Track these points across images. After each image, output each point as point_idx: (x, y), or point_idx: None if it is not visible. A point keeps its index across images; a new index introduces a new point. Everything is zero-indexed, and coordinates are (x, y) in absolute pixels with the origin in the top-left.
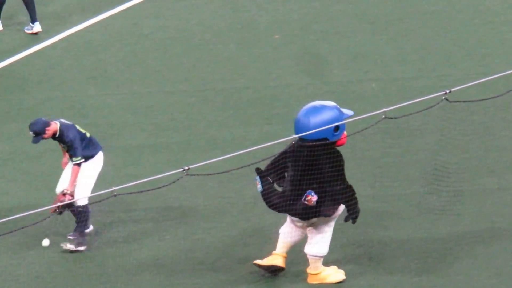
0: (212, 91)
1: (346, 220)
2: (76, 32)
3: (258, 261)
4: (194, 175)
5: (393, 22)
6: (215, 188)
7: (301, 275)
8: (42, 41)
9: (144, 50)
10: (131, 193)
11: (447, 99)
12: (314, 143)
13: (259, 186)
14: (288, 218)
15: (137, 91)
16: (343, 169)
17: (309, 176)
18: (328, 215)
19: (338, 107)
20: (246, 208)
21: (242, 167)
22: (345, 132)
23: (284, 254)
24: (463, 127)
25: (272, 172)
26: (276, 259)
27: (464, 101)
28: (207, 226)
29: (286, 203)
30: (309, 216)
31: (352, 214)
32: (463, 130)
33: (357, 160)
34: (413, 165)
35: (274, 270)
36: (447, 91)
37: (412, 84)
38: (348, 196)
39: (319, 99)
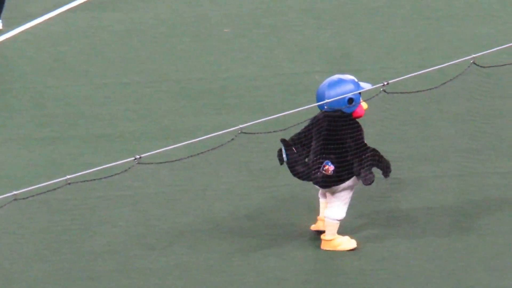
0: (166, 82)
1: (385, 176)
2: (36, 25)
3: (311, 227)
4: (146, 163)
5: (337, 17)
6: (167, 176)
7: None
8: (3, 33)
9: (102, 42)
10: (84, 181)
11: (385, 91)
12: (331, 114)
13: (284, 156)
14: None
15: (94, 82)
16: (362, 140)
17: (328, 146)
18: (369, 181)
19: (355, 80)
20: (197, 195)
21: (193, 156)
22: (362, 105)
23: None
24: (402, 117)
25: (297, 142)
26: (320, 223)
27: (401, 93)
28: (159, 213)
29: (308, 172)
30: (328, 185)
31: (386, 169)
32: (402, 120)
33: None
34: None
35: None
36: (385, 83)
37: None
38: (374, 160)
39: (267, 90)
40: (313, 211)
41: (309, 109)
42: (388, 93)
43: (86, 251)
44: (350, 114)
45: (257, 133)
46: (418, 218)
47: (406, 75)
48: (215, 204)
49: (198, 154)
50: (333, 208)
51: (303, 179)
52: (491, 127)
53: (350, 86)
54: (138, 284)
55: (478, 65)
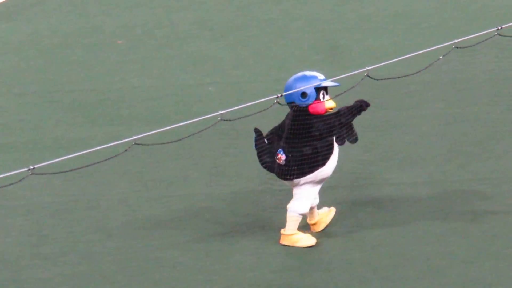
0: (59, 93)
1: (352, 142)
2: None
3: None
4: (40, 174)
5: (231, 29)
6: (61, 186)
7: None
8: None
9: None
10: None
11: (279, 103)
12: (292, 107)
13: (255, 145)
14: None
15: None
16: (311, 135)
17: (288, 137)
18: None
19: (320, 78)
20: (90, 206)
21: (87, 166)
22: (322, 101)
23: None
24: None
25: (273, 133)
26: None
27: (294, 104)
28: (52, 223)
29: (272, 162)
30: (283, 177)
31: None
32: None
33: (195, 160)
34: (249, 165)
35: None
36: (279, 95)
37: (248, 88)
38: (327, 150)
39: (161, 102)
40: (209, 222)
41: (203, 120)
42: (282, 105)
43: None
44: (306, 109)
45: (151, 144)
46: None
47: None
48: (109, 214)
49: (91, 164)
50: (296, 201)
51: (268, 170)
52: (384, 139)
53: (308, 81)
54: None
55: (371, 78)
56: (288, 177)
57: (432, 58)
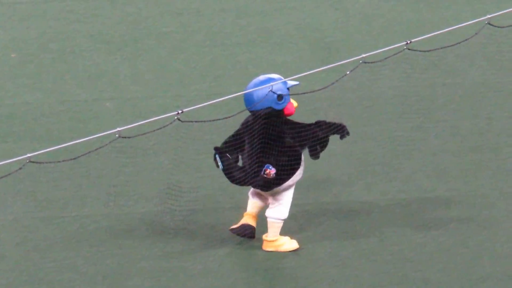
0: None
1: (342, 138)
2: None
3: (232, 226)
4: None
5: (128, 43)
6: None
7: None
8: None
9: None
10: None
11: (179, 119)
12: (264, 113)
13: (220, 164)
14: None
15: None
16: (286, 141)
17: (266, 148)
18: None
19: (282, 78)
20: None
21: None
22: (292, 102)
23: (254, 214)
24: (196, 146)
25: (230, 149)
26: (248, 219)
27: (196, 121)
28: None
29: (245, 177)
30: (270, 186)
31: (341, 131)
32: (196, 149)
33: (91, 179)
34: (148, 184)
35: (246, 230)
36: (180, 111)
37: (147, 104)
38: (328, 129)
39: (55, 118)
40: (106, 244)
41: (100, 137)
42: (182, 121)
43: None
44: (282, 112)
45: (46, 162)
46: (214, 248)
47: (200, 102)
48: (1, 235)
49: None
50: (276, 208)
51: (241, 185)
52: None
53: (277, 84)
54: None
55: (275, 93)
56: (273, 186)
57: (339, 74)
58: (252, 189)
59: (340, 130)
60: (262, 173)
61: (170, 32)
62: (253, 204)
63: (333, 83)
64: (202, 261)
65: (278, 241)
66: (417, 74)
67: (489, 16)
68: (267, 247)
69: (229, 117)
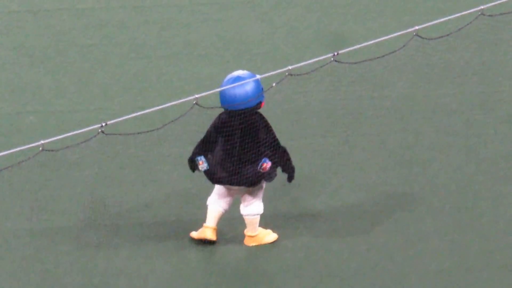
0: None
1: (289, 180)
2: None
3: (192, 234)
4: None
5: (51, 55)
6: None
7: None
8: None
9: None
10: None
11: (103, 132)
12: (249, 110)
13: (204, 165)
14: (217, 189)
15: None
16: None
17: (253, 144)
18: (272, 178)
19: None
20: None
21: None
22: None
23: (215, 226)
24: (120, 160)
25: (204, 149)
26: (207, 231)
27: (120, 134)
28: None
29: (229, 175)
30: (259, 181)
31: (292, 172)
32: (120, 163)
33: (14, 193)
34: (71, 198)
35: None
36: (104, 124)
37: (70, 117)
38: (287, 157)
39: None
40: (29, 259)
41: (23, 150)
42: (106, 134)
43: None
44: (259, 106)
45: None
46: (138, 267)
47: (124, 115)
48: None
49: None
50: (254, 203)
51: (224, 183)
52: None
53: (255, 78)
54: None
55: (200, 106)
56: (262, 181)
57: (265, 86)
58: (215, 194)
59: (292, 172)
60: (258, 167)
61: (94, 45)
62: (212, 213)
63: (257, 96)
64: (127, 277)
65: (259, 235)
66: (344, 87)
67: (417, 27)
68: (250, 242)
69: (154, 130)
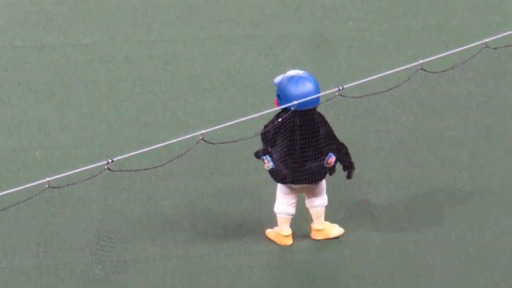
0: None
1: (349, 177)
2: None
3: (268, 233)
4: None
5: (56, 90)
6: None
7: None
8: None
9: None
10: None
11: (109, 169)
12: (314, 108)
13: (270, 164)
14: (280, 191)
15: None
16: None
17: (314, 140)
18: (335, 171)
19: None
20: None
21: None
22: None
23: (291, 231)
24: (126, 195)
25: (268, 147)
26: (287, 240)
27: (126, 170)
28: None
29: (292, 174)
30: (322, 177)
31: (352, 169)
32: (126, 198)
33: (21, 229)
34: (77, 234)
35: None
36: (110, 160)
37: (75, 152)
38: (347, 151)
39: None
40: None
41: (29, 187)
42: (113, 171)
43: None
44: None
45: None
46: None
47: (129, 150)
48: None
49: None
50: (321, 196)
51: (285, 182)
52: (214, 205)
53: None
54: None
55: (206, 141)
56: (326, 175)
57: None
58: (280, 198)
59: (353, 169)
60: (325, 163)
61: (99, 79)
62: (283, 220)
63: (265, 130)
64: None
65: (326, 228)
66: (349, 121)
67: (421, 61)
68: (317, 236)
69: (160, 166)
